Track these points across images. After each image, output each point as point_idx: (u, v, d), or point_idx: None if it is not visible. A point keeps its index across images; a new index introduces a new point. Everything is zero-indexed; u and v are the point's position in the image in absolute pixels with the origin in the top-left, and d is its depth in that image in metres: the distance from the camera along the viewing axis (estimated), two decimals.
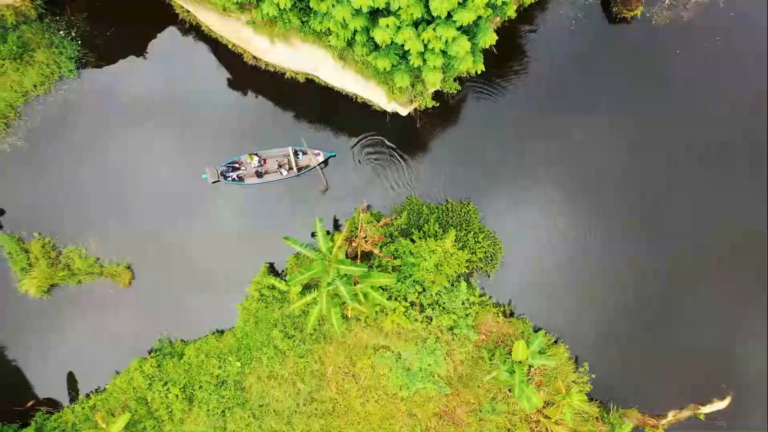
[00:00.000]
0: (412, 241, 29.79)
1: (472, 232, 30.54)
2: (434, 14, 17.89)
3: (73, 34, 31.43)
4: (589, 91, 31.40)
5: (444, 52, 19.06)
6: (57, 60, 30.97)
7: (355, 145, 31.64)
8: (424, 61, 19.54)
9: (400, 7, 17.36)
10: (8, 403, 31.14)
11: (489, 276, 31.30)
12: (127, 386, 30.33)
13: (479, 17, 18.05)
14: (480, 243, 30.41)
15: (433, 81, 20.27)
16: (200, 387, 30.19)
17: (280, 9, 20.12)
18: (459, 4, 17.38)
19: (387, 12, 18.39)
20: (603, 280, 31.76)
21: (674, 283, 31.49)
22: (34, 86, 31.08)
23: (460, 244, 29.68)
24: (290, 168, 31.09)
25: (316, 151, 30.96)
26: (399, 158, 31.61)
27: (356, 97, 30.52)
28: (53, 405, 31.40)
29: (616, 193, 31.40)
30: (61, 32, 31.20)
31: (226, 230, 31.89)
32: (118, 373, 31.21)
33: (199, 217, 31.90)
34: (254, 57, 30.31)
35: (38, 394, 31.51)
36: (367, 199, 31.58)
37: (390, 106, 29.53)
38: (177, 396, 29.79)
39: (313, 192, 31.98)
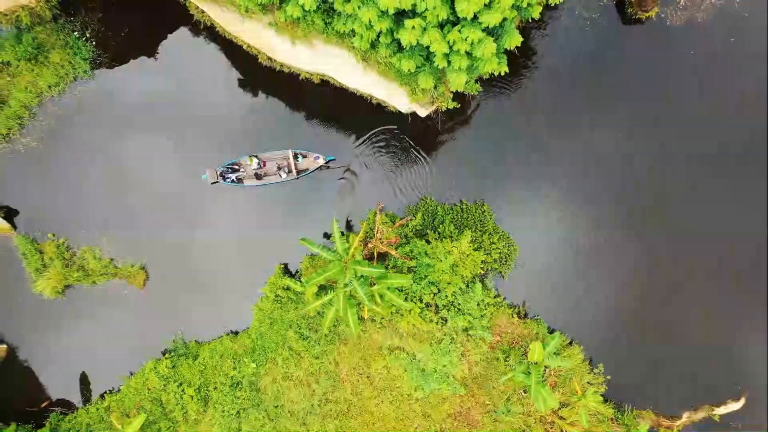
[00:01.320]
0: (428, 242, 29.79)
1: (487, 233, 30.53)
2: (460, 16, 17.86)
3: (88, 34, 31.41)
4: (603, 92, 31.37)
5: (469, 54, 19.04)
6: (71, 61, 30.95)
7: (363, 141, 31.44)
8: (449, 62, 19.51)
9: (426, 9, 17.32)
10: (22, 404, 31.20)
11: (503, 277, 31.28)
12: (141, 387, 30.35)
13: (504, 19, 18.03)
14: (495, 244, 30.40)
15: (458, 82, 20.25)
16: (215, 388, 30.20)
17: (304, 10, 20.09)
18: (485, 5, 17.38)
19: (412, 13, 18.37)
20: (616, 282, 31.72)
21: (688, 284, 31.44)
22: (49, 87, 31.06)
23: (475, 245, 29.66)
24: (289, 171, 31.03)
25: (316, 155, 30.90)
26: (417, 156, 31.55)
27: (371, 98, 30.49)
28: (67, 406, 31.50)
29: (631, 194, 31.33)
30: (76, 33, 31.17)
31: (239, 231, 31.91)
32: (132, 374, 31.27)
33: (211, 218, 31.91)
34: (269, 58, 30.28)
35: (52, 395, 31.60)
36: (373, 201, 31.45)
37: (405, 107, 29.52)
38: (192, 397, 29.81)
39: (319, 193, 31.86)
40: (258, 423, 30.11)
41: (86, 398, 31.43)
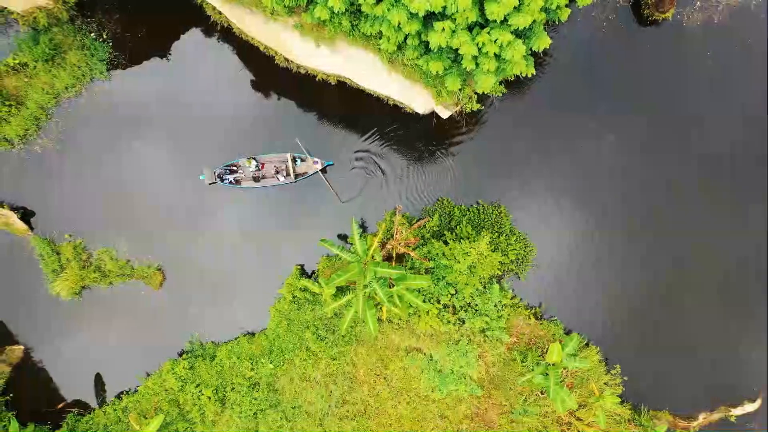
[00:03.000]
0: (445, 243, 29.80)
1: (504, 235, 30.54)
2: (490, 18, 17.86)
3: (104, 36, 31.40)
4: (619, 93, 31.34)
5: (497, 56, 19.06)
6: (88, 62, 30.95)
7: (374, 141, 31.41)
8: (477, 64, 19.53)
9: (456, 11, 17.33)
10: (39, 405, 31.23)
11: (520, 278, 31.30)
12: (159, 388, 30.38)
13: (533, 21, 18.05)
14: (512, 245, 30.43)
15: (487, 84, 20.26)
16: (232, 389, 30.23)
17: (332, 13, 20.09)
18: (514, 8, 17.40)
19: (441, 16, 18.39)
20: (632, 283, 31.75)
21: (704, 286, 31.46)
22: (66, 88, 31.06)
23: (493, 246, 29.68)
24: (287, 174, 31.01)
25: (315, 159, 30.87)
26: (431, 157, 31.58)
27: (388, 100, 30.50)
28: (84, 407, 31.55)
29: (648, 195, 31.35)
30: (92, 34, 31.17)
31: (254, 232, 31.89)
32: (148, 374, 31.31)
33: (227, 220, 31.93)
34: (286, 59, 30.28)
35: (69, 395, 31.65)
36: (382, 201, 31.56)
37: (423, 108, 29.53)
38: (209, 398, 29.84)
39: (328, 195, 31.86)
40: (275, 424, 30.14)
41: (103, 399, 31.47)
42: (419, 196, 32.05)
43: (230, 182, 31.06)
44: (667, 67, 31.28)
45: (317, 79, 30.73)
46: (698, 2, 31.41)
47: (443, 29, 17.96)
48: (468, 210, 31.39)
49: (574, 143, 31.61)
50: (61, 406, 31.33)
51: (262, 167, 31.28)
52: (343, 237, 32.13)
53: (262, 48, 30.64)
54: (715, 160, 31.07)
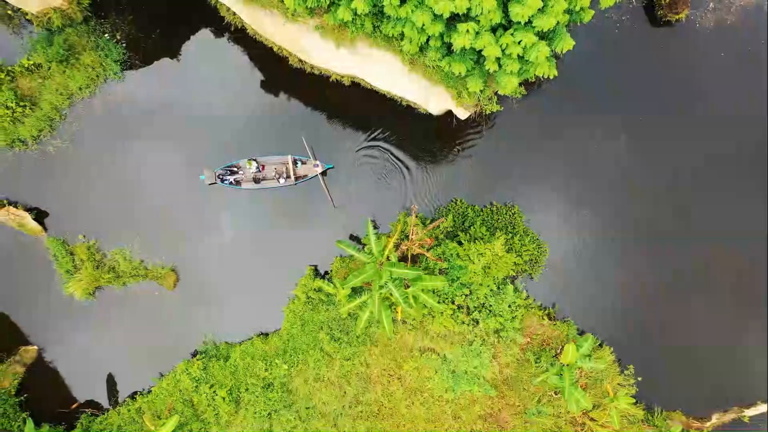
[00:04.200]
0: (460, 243, 29.83)
1: (518, 235, 30.58)
2: (514, 20, 17.91)
3: (118, 36, 31.43)
4: (633, 94, 31.40)
5: (520, 57, 19.11)
6: (102, 62, 30.96)
7: (384, 141, 31.51)
8: (500, 66, 19.56)
9: (481, 13, 17.36)
10: (53, 406, 31.24)
11: (533, 278, 31.35)
12: (173, 388, 30.40)
13: (557, 22, 18.08)
14: (526, 246, 30.46)
15: (510, 86, 20.30)
16: (246, 389, 30.26)
17: (356, 14, 20.13)
18: (539, 9, 17.44)
19: (465, 17, 18.42)
20: (644, 283, 31.80)
21: (717, 286, 31.51)
22: (79, 89, 31.06)
23: (507, 247, 29.71)
24: (288, 176, 31.02)
25: (315, 162, 30.88)
26: (442, 158, 31.64)
27: (401, 101, 30.57)
28: (98, 407, 31.53)
29: (661, 195, 31.41)
30: (106, 35, 31.19)
31: (265, 233, 31.92)
32: (162, 375, 31.31)
33: (239, 221, 31.96)
34: (300, 61, 30.32)
35: (82, 396, 31.63)
36: (388, 202, 31.69)
37: (437, 109, 29.59)
38: (224, 398, 29.84)
39: (342, 195, 31.86)
40: (289, 424, 30.17)
41: (117, 399, 31.48)
42: (431, 197, 32.09)
43: (230, 183, 31.05)
44: (680, 67, 31.34)
45: (331, 80, 30.79)
46: (711, 3, 31.48)
47: (467, 31, 18.00)
48: (482, 210, 31.43)
49: (585, 143, 31.66)
50: (74, 406, 31.32)
51: (263, 169, 31.30)
52: (354, 238, 32.14)
53: (276, 49, 30.67)
54: (729, 160, 31.13)
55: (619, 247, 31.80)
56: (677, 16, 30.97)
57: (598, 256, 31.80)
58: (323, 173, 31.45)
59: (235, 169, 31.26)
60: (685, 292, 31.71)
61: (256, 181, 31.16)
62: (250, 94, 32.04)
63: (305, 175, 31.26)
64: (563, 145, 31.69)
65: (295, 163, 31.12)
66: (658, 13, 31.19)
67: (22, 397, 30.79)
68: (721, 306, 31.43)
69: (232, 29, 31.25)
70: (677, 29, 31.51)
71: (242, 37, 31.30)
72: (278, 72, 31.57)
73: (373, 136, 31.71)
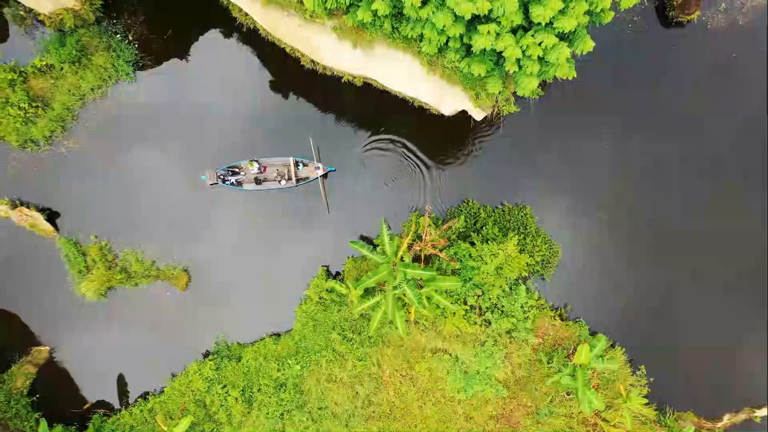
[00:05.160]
0: (472, 244, 29.86)
1: (530, 236, 30.61)
2: (535, 21, 17.94)
3: (130, 37, 31.45)
4: (645, 95, 31.45)
5: (540, 59, 19.16)
6: (115, 63, 30.98)
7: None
8: (520, 67, 19.61)
9: (503, 14, 17.39)
10: (65, 406, 31.28)
11: (545, 279, 31.39)
12: (185, 389, 30.43)
13: (577, 24, 18.11)
14: (538, 246, 30.49)
15: (530, 87, 20.35)
16: (259, 390, 30.29)
17: (375, 15, 20.15)
18: (560, 11, 17.46)
19: (486, 19, 18.45)
20: (656, 284, 31.84)
21: (730, 287, 31.55)
22: (91, 89, 31.10)
23: (519, 248, 29.74)
24: (289, 178, 31.05)
25: (317, 165, 30.89)
26: (454, 159, 31.69)
27: (413, 101, 30.61)
28: (109, 407, 31.55)
29: (673, 196, 31.46)
30: (118, 36, 31.20)
31: (276, 234, 31.91)
32: (173, 375, 31.33)
33: (250, 221, 31.99)
34: (312, 61, 30.34)
35: (94, 396, 31.67)
36: (394, 204, 31.77)
37: (449, 110, 29.62)
38: (236, 399, 29.89)
39: (345, 197, 31.88)
40: (302, 425, 30.20)
41: (128, 400, 31.50)
42: (442, 198, 32.12)
43: (232, 184, 31.06)
44: (691, 68, 31.36)
45: (343, 81, 30.81)
46: (723, 4, 31.50)
47: (488, 32, 18.03)
48: (493, 211, 31.46)
49: (597, 143, 31.70)
50: (86, 407, 31.35)
51: (264, 170, 31.30)
52: (363, 238, 32.14)
53: (288, 50, 30.70)
54: (744, 161, 31.14)
55: (630, 248, 31.82)
56: (689, 17, 31.00)
57: (609, 256, 31.84)
58: (324, 176, 31.45)
59: (237, 169, 31.28)
60: (698, 293, 31.71)
61: (257, 182, 31.19)
62: (261, 94, 32.08)
63: (306, 177, 31.29)
64: (574, 145, 31.73)
65: (296, 165, 31.14)
66: (670, 14, 31.22)
67: (34, 398, 30.85)
68: (734, 306, 31.42)
69: (244, 30, 31.26)
70: (688, 30, 31.54)
71: (254, 37, 31.30)
72: (290, 73, 31.56)
73: (382, 134, 31.70)
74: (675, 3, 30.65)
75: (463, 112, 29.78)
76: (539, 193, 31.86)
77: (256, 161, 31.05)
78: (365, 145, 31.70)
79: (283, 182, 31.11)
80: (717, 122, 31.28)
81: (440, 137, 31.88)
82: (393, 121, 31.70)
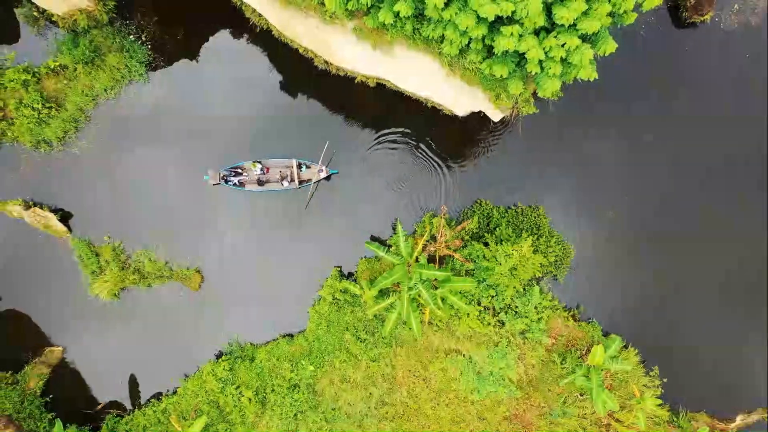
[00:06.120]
0: (485, 244, 29.87)
1: (544, 237, 30.61)
2: (558, 23, 17.95)
3: (143, 38, 31.45)
4: (658, 95, 31.46)
5: (563, 60, 19.16)
6: (128, 64, 30.98)
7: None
8: (542, 68, 19.62)
9: (526, 16, 17.39)
10: (79, 407, 31.30)
11: (558, 280, 31.40)
12: (199, 389, 30.44)
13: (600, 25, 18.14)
14: (552, 247, 30.49)
15: (553, 89, 20.36)
16: (272, 390, 30.29)
17: (397, 17, 20.14)
18: (583, 12, 17.48)
19: (508, 20, 18.44)
20: (666, 286, 31.85)
21: (742, 289, 31.55)
22: (105, 90, 31.10)
23: (533, 248, 29.73)
24: (291, 180, 31.03)
25: (320, 168, 30.86)
26: (474, 158, 31.72)
27: (427, 102, 30.63)
28: (122, 408, 31.56)
29: (687, 196, 31.46)
30: (131, 36, 31.22)
31: (288, 234, 31.91)
32: (186, 376, 31.33)
33: (262, 222, 31.98)
34: (326, 62, 30.35)
35: (107, 397, 31.65)
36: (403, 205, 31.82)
37: (463, 111, 29.64)
38: (250, 399, 29.89)
39: (355, 198, 31.89)
40: (315, 425, 30.21)
41: (142, 400, 31.51)
42: (455, 198, 32.10)
43: (234, 184, 31.05)
44: (705, 68, 31.36)
45: (356, 81, 30.81)
46: (736, 5, 31.50)
47: (511, 34, 18.03)
48: (506, 212, 31.46)
49: (609, 143, 31.70)
50: (99, 407, 31.36)
51: (267, 171, 31.29)
52: (374, 239, 32.11)
53: (301, 50, 30.70)
54: (760, 161, 31.13)
55: (642, 249, 31.82)
56: (702, 18, 31.00)
57: (621, 257, 31.84)
58: (327, 178, 31.43)
59: (240, 170, 31.26)
60: (709, 293, 31.72)
61: (260, 183, 31.17)
62: (273, 95, 32.03)
63: (309, 179, 31.25)
64: (586, 146, 31.73)
65: (299, 167, 31.11)
66: (683, 14, 31.23)
67: (47, 398, 30.84)
68: (747, 306, 31.43)
69: (257, 30, 31.25)
70: (702, 30, 31.54)
71: (267, 38, 31.28)
72: (302, 73, 31.54)
73: (393, 129, 31.74)
74: (688, 4, 30.64)
75: (475, 113, 29.82)
76: (551, 194, 31.84)
77: (259, 162, 31.04)
78: (377, 139, 31.60)
79: (286, 184, 31.08)
80: (730, 123, 31.25)
81: (452, 138, 31.86)
82: (405, 122, 31.68)
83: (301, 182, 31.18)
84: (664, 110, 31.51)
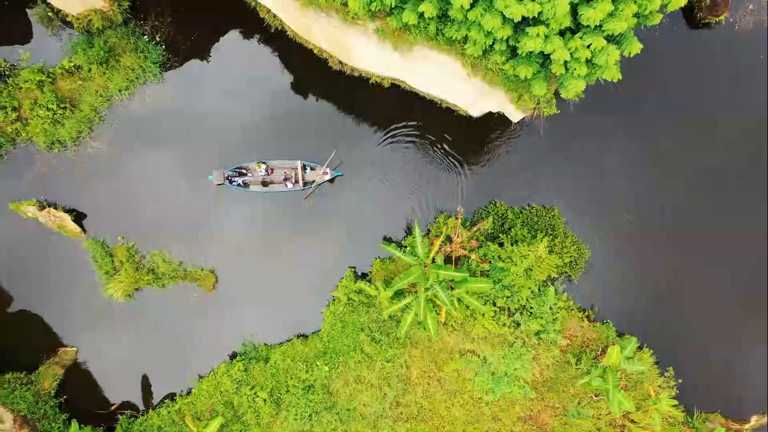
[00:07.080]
0: (501, 245, 29.86)
1: (559, 237, 30.60)
2: (584, 24, 17.94)
3: (158, 38, 31.44)
4: (673, 96, 31.44)
5: (588, 61, 19.16)
6: (142, 64, 30.97)
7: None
8: (566, 69, 19.62)
9: (552, 16, 17.38)
10: (92, 407, 31.30)
11: (573, 280, 31.39)
12: (213, 390, 30.42)
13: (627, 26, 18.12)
14: (567, 248, 30.48)
15: (577, 90, 20.35)
16: (287, 391, 30.28)
17: (421, 17, 20.12)
18: (609, 13, 17.47)
19: (533, 21, 18.45)
20: (680, 286, 31.83)
21: (757, 288, 31.54)
22: (119, 91, 31.09)
23: (548, 249, 29.71)
24: (296, 181, 30.99)
25: (325, 170, 30.82)
26: (481, 160, 31.70)
27: (442, 103, 30.64)
28: (136, 408, 31.55)
29: (701, 197, 31.46)
30: (146, 37, 31.21)
31: (299, 234, 31.90)
32: (200, 376, 31.33)
33: (273, 222, 31.97)
34: (340, 62, 30.34)
35: (121, 397, 31.64)
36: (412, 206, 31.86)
37: (478, 111, 29.65)
38: (265, 400, 29.87)
39: (366, 198, 31.88)
40: (330, 426, 30.19)
41: (156, 401, 31.50)
42: (468, 199, 32.08)
43: (238, 185, 31.02)
44: (720, 69, 31.35)
45: (371, 82, 30.81)
46: (750, 5, 31.48)
47: (537, 34, 18.03)
48: (521, 212, 31.45)
49: (623, 144, 31.70)
50: (113, 407, 31.35)
51: (272, 172, 31.26)
52: (386, 239, 32.10)
53: (316, 51, 30.69)
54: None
55: (656, 249, 31.80)
56: (716, 18, 30.99)
57: (635, 258, 31.82)
58: (332, 180, 31.44)
59: (244, 171, 31.23)
60: (718, 293, 31.71)
61: (264, 184, 31.12)
62: (286, 95, 32.05)
63: (313, 181, 31.19)
64: (599, 146, 31.72)
65: (304, 168, 31.09)
66: (698, 15, 31.21)
67: (61, 399, 30.82)
68: (761, 307, 31.41)
69: (272, 31, 31.24)
70: (716, 31, 31.53)
71: (281, 38, 31.28)
72: (316, 73, 31.53)
73: (412, 137, 31.76)
74: (703, 4, 30.63)
75: (489, 114, 29.81)
76: (565, 194, 31.83)
77: (264, 163, 31.01)
78: (389, 132, 31.52)
79: (290, 185, 31.05)
80: (745, 124, 31.25)
81: (467, 138, 31.86)
82: (419, 122, 31.67)
83: (305, 184, 31.18)
84: (678, 111, 31.47)
